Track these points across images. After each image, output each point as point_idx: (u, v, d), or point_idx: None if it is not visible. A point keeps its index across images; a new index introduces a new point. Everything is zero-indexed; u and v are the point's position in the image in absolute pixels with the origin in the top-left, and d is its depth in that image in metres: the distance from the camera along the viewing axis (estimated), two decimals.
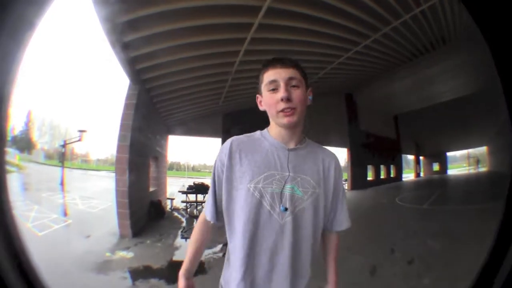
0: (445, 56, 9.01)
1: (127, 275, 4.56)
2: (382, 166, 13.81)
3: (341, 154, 11.11)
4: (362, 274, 4.05)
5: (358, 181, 11.58)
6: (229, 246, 1.22)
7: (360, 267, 4.25)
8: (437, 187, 13.36)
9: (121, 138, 6.24)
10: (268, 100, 1.17)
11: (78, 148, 12.06)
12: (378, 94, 11.67)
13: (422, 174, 16.31)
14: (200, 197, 8.60)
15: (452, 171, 16.05)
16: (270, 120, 1.23)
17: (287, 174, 1.17)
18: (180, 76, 6.58)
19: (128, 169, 6.12)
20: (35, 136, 13.00)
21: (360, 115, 12.11)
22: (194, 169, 12.59)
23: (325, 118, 10.19)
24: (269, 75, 1.18)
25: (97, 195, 9.06)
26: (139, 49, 5.43)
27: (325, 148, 1.31)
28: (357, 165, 11.61)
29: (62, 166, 9.87)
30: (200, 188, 8.49)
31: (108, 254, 5.35)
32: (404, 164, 15.51)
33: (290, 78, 1.15)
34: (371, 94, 11.61)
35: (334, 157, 1.29)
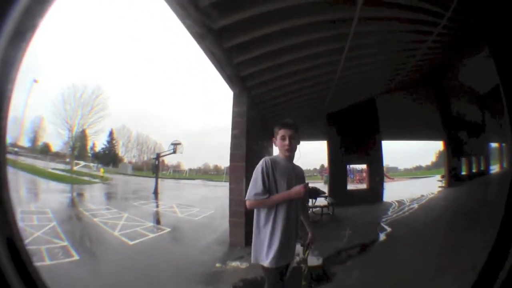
0: None
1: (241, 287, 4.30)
2: (473, 158, 12.36)
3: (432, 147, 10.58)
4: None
5: (453, 177, 10.86)
6: (269, 220, 2.43)
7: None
8: None
9: (234, 146, 6.31)
10: (280, 144, 2.58)
11: (169, 159, 12.62)
12: (465, 76, 10.52)
13: (505, 165, 14.55)
14: (314, 201, 8.50)
15: None
16: (279, 151, 2.62)
17: (293, 176, 2.57)
18: (283, 81, 6.53)
19: (245, 177, 6.03)
20: (120, 152, 13.84)
21: (452, 102, 11.11)
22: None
23: (419, 109, 9.88)
24: (282, 132, 2.56)
25: (196, 203, 9.33)
26: (242, 55, 5.45)
27: (295, 164, 2.70)
28: (452, 158, 10.90)
29: (156, 177, 10.32)
30: (313, 192, 8.32)
31: (218, 264, 5.17)
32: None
33: (290, 136, 2.55)
34: (457, 76, 10.57)
35: (301, 169, 2.79)
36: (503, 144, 15.01)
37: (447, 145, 10.95)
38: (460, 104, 11.30)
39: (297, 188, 2.41)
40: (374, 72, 7.68)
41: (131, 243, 6.16)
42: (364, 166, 10.34)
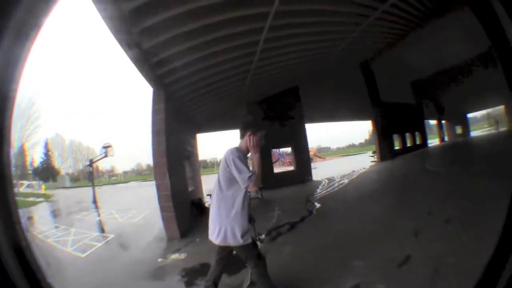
0: (454, 19, 8.80)
1: (186, 275, 4.46)
2: (407, 134, 13.62)
3: (365, 127, 11.16)
4: (406, 237, 4.26)
5: (386, 152, 11.46)
6: (245, 205, 2.74)
7: (403, 230, 4.53)
8: (463, 150, 13.31)
9: (156, 143, 6.22)
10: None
11: (103, 165, 12.12)
12: (395, 61, 11.39)
13: (446, 139, 16.07)
14: None
15: (475, 133, 15.88)
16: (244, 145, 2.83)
17: None
18: (200, 74, 6.53)
19: (168, 173, 6.11)
20: (57, 163, 13.13)
21: (380, 85, 11.90)
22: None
23: (346, 92, 10.10)
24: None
25: (133, 205, 9.14)
26: (158, 54, 5.43)
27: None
28: (383, 135, 11.48)
29: (92, 185, 9.92)
30: None
31: (160, 259, 5.28)
32: (428, 130, 15.28)
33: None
34: (388, 62, 11.32)
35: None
36: (442, 122, 16.79)
37: (376, 123, 11.48)
38: (391, 86, 12.19)
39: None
40: (294, 62, 7.92)
41: (83, 255, 6.22)
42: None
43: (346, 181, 9.70)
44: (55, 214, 10.54)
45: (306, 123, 9.70)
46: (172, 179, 6.21)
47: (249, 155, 2.88)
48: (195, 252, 5.30)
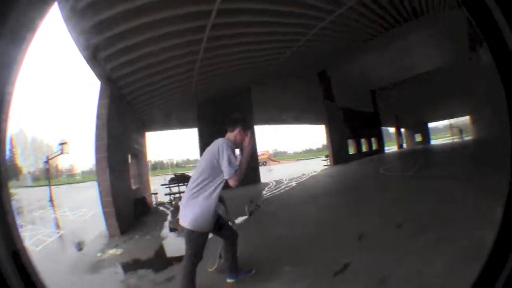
0: (420, 28, 9.16)
1: (119, 270, 4.79)
2: (363, 140, 13.99)
3: (320, 131, 11.43)
4: (349, 242, 4.11)
5: (339, 156, 11.74)
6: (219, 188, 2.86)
7: (346, 234, 4.37)
8: (421, 156, 13.48)
9: (98, 137, 6.35)
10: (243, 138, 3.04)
11: (62, 164, 12.02)
12: (353, 69, 11.81)
13: (405, 146, 16.52)
14: (183, 188, 8.48)
15: (436, 141, 16.25)
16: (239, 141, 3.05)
17: None
18: (148, 70, 6.80)
19: (108, 167, 6.25)
20: (20, 161, 12.91)
21: (336, 91, 12.19)
22: (178, 165, 12.49)
23: (301, 97, 10.39)
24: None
25: (85, 204, 9.20)
26: (106, 49, 5.71)
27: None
28: (336, 140, 11.76)
29: (49, 184, 9.87)
30: (181, 179, 8.48)
31: (99, 254, 5.54)
32: (386, 137, 15.78)
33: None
34: (346, 69, 11.73)
35: None
36: (402, 129, 17.25)
37: (329, 127, 11.77)
38: (349, 92, 12.58)
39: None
40: (241, 63, 8.18)
41: (37, 249, 6.31)
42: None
43: (294, 183, 9.89)
44: (18, 212, 10.53)
45: (256, 124, 9.60)
46: (113, 175, 6.33)
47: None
48: (131, 249, 5.57)
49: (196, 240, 2.87)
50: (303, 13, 6.89)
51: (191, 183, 2.90)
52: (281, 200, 8.16)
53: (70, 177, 13.00)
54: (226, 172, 2.76)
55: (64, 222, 8.46)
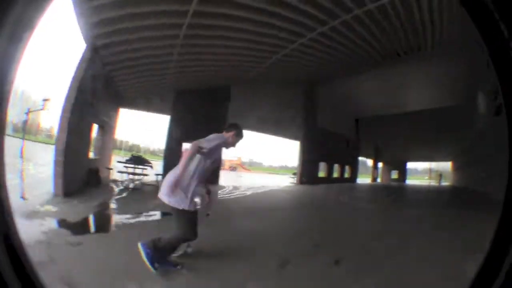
0: (418, 66, 9.25)
1: (46, 223, 5.21)
2: (336, 165, 13.89)
3: (294, 147, 11.39)
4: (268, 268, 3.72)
5: (306, 176, 11.66)
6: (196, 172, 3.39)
7: (268, 258, 4.02)
8: (392, 193, 13.51)
9: (68, 99, 6.60)
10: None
11: (43, 122, 12.25)
12: (342, 92, 11.86)
13: (379, 180, 16.48)
14: (138, 170, 8.52)
15: (413, 182, 16.16)
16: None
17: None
18: (130, 45, 7.09)
19: (67, 129, 6.52)
20: (8, 112, 13.18)
21: (319, 111, 12.16)
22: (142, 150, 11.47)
23: (281, 108, 10.54)
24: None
25: (48, 163, 9.44)
26: (91, 17, 6.10)
27: None
28: (307, 160, 11.68)
29: (23, 138, 10.00)
30: (137, 160, 8.47)
31: (37, 206, 5.98)
32: (363, 168, 15.71)
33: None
34: (335, 90, 11.75)
35: None
36: (379, 163, 17.04)
37: (303, 145, 11.73)
38: (333, 115, 12.59)
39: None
40: (221, 58, 8.39)
41: None
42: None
43: (248, 193, 9.84)
44: None
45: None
46: (70, 137, 6.60)
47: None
48: (64, 210, 5.91)
49: (190, 217, 3.37)
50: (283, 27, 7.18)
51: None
52: (222, 202, 8.12)
53: (49, 138, 13.21)
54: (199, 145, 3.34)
55: (26, 176, 8.40)
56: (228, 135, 3.66)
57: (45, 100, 9.32)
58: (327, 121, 12.49)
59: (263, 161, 13.18)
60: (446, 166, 15.45)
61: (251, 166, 12.73)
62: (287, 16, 6.80)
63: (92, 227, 5.67)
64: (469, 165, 11.93)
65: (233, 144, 3.71)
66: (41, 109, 9.57)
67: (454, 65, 8.85)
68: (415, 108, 12.18)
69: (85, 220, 5.63)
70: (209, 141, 3.42)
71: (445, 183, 15.37)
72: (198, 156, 3.37)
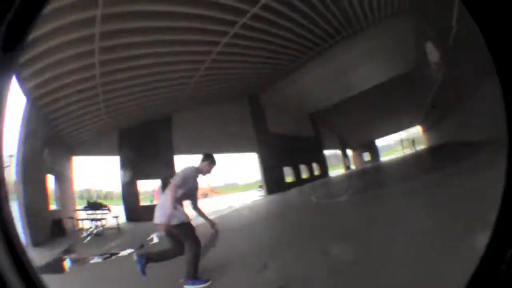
0: (355, 43, 9.38)
1: None
2: (302, 166, 13.60)
3: (252, 160, 11.32)
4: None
5: (274, 185, 11.53)
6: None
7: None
8: (365, 175, 13.65)
9: (18, 153, 7.03)
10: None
11: (9, 178, 12.46)
12: (286, 93, 11.71)
13: (353, 167, 15.84)
14: (99, 216, 8.75)
15: (389, 157, 15.15)
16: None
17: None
18: (62, 92, 7.46)
19: (22, 182, 7.07)
20: None
21: (269, 116, 12.02)
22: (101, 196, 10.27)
23: (228, 122, 10.50)
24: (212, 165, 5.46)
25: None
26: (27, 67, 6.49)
27: None
28: (269, 168, 11.64)
29: None
30: (94, 206, 8.64)
31: None
32: (335, 160, 15.17)
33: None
34: (278, 93, 11.58)
35: None
36: (348, 150, 16.62)
37: (261, 155, 11.73)
38: (285, 118, 12.71)
39: None
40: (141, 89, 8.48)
41: None
42: None
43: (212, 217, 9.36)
44: None
45: (175, 154, 9.12)
46: (27, 189, 7.13)
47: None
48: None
49: (188, 230, 4.96)
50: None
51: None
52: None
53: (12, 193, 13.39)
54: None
55: None
56: (202, 164, 4.89)
57: (10, 156, 9.68)
58: (280, 125, 12.42)
59: (237, 181, 12.73)
60: (417, 131, 14.20)
61: (227, 188, 12.39)
62: (193, 28, 6.86)
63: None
64: (439, 120, 11.95)
65: (208, 171, 4.87)
66: (8, 166, 9.92)
67: (392, 34, 9.02)
68: (366, 87, 11.77)
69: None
70: (177, 175, 4.86)
71: (420, 147, 14.08)
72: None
